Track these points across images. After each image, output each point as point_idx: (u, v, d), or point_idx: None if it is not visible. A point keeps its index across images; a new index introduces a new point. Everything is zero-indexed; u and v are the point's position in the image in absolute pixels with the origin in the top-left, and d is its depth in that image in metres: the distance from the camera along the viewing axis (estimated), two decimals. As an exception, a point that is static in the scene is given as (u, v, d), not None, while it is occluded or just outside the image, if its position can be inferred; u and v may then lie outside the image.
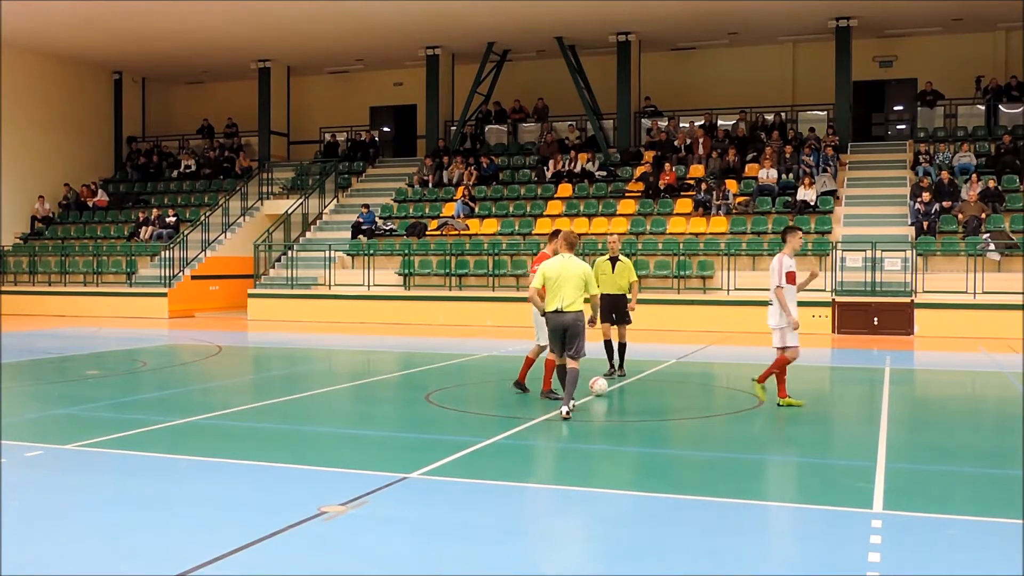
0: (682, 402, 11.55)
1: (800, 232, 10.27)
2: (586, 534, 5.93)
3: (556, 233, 10.68)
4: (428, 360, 15.15)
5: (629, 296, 12.38)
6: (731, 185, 23.82)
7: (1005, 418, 10.19)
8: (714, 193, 23.28)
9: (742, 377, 13.71)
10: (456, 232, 24.36)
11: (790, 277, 9.87)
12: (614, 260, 12.41)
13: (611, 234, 14.99)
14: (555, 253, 10.56)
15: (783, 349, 10.01)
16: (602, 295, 11.85)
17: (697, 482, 7.08)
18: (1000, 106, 25.59)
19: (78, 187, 30.73)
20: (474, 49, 28.46)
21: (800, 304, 19.46)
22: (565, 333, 9.38)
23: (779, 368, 10.09)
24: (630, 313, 12.48)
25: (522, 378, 11.07)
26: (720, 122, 27.48)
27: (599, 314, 11.27)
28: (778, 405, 10.14)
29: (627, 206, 24.15)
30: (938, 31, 26.68)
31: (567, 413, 9.16)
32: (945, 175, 22.09)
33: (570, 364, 9.42)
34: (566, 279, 9.33)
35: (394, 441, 8.78)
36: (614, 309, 12.30)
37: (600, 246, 20.70)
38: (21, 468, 7.23)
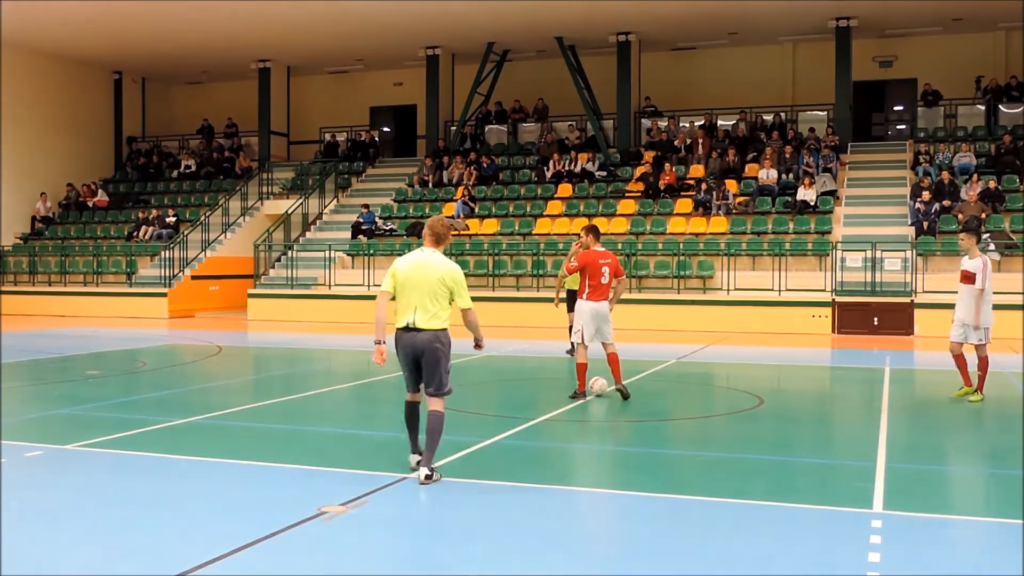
0: (682, 402, 11.55)
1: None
2: (586, 534, 5.93)
3: (592, 228, 10.64)
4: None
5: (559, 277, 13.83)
6: (731, 185, 23.82)
7: (1005, 418, 10.19)
8: (714, 193, 23.28)
9: (742, 377, 13.72)
10: (456, 232, 24.15)
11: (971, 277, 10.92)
12: None
13: (575, 241, 15.08)
14: (584, 248, 10.55)
15: (980, 347, 11.11)
16: (568, 289, 14.66)
17: (697, 482, 7.07)
18: (1000, 106, 25.60)
19: (78, 187, 30.74)
20: (474, 49, 28.46)
21: (800, 304, 19.75)
22: (418, 361, 6.82)
23: (986, 369, 11.12)
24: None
25: (581, 387, 10.58)
26: (720, 122, 27.48)
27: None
28: (966, 400, 10.87)
29: (627, 206, 24.15)
30: (938, 31, 26.68)
31: (426, 478, 6.62)
32: (945, 175, 22.10)
33: (430, 405, 6.80)
34: (418, 283, 6.75)
35: (394, 441, 8.76)
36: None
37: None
38: (21, 468, 7.23)
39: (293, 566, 5.03)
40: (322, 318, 22.84)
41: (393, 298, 6.89)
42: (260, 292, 24.42)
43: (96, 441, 8.16)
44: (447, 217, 24.71)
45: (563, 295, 15.41)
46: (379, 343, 6.78)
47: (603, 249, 10.58)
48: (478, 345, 7.23)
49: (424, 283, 6.74)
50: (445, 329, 6.82)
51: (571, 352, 14.56)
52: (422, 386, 6.92)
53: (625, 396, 10.43)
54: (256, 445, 8.41)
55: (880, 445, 8.16)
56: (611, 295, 10.68)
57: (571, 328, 14.07)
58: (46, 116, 30.23)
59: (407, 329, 6.77)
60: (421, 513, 6.06)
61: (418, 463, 6.85)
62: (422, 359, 6.77)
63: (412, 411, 7.08)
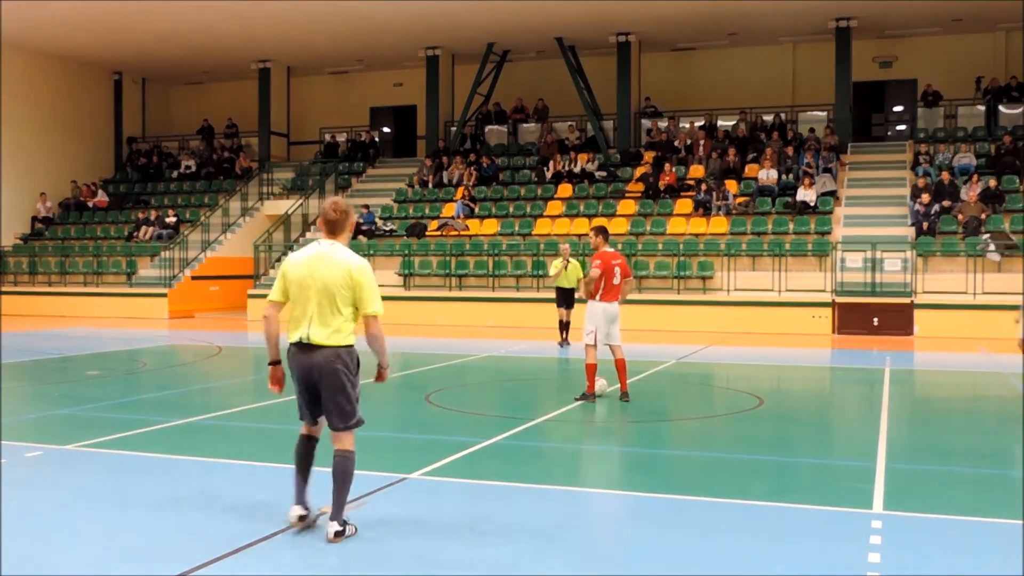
0: (682, 403, 11.55)
1: None
2: (586, 535, 5.93)
3: (602, 230, 10.63)
4: (428, 361, 15.15)
5: (577, 288, 14.59)
6: (731, 186, 23.82)
7: (1005, 419, 10.18)
8: (714, 194, 23.28)
9: (742, 378, 13.72)
10: (456, 232, 24.36)
11: None
12: (567, 263, 16.49)
13: (563, 243, 17.97)
14: (596, 249, 10.50)
15: None
16: (558, 287, 16.67)
17: (697, 483, 7.07)
18: (1000, 106, 25.58)
19: (79, 187, 30.73)
20: (474, 49, 28.47)
21: (800, 305, 19.75)
22: (316, 386, 5.43)
23: None
24: (576, 294, 16.23)
25: (590, 388, 10.53)
26: (720, 122, 27.48)
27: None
28: None
29: (627, 206, 24.15)
30: (938, 32, 26.68)
31: (336, 535, 5.30)
32: (945, 175, 22.09)
33: (335, 442, 5.43)
34: (313, 287, 5.45)
35: (394, 442, 8.77)
36: (567, 298, 16.73)
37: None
38: (21, 468, 7.23)
39: (293, 567, 5.03)
40: (322, 318, 22.78)
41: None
42: (260, 292, 24.36)
43: (96, 441, 8.16)
44: (447, 218, 24.80)
45: (573, 288, 16.68)
46: (274, 364, 5.64)
47: (613, 250, 10.60)
48: (380, 375, 5.62)
49: (319, 285, 5.40)
50: (350, 346, 5.44)
51: (562, 345, 16.80)
52: (322, 418, 5.55)
53: (627, 399, 10.42)
54: (256, 445, 8.41)
55: (880, 446, 8.16)
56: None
57: (561, 323, 17.02)
58: (46, 116, 30.23)
59: (301, 346, 5.44)
60: (421, 514, 6.06)
61: (302, 517, 5.51)
62: (320, 384, 5.38)
63: (305, 448, 5.58)
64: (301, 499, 5.53)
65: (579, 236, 22.08)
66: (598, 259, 10.34)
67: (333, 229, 5.54)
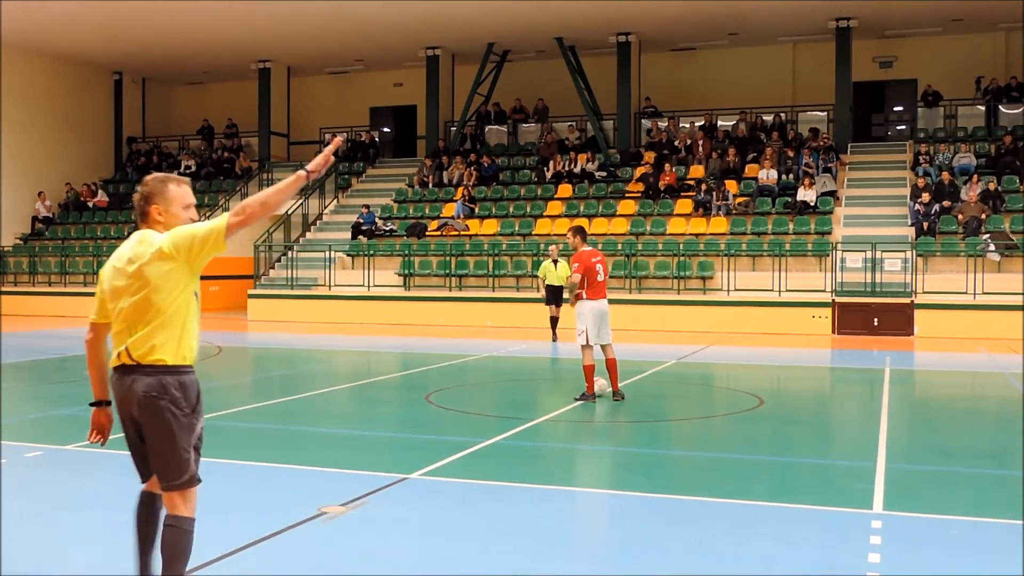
0: (682, 403, 11.55)
1: None
2: (586, 534, 5.93)
3: (580, 230, 10.63)
4: (428, 361, 15.15)
5: (566, 286, 14.64)
6: (731, 186, 23.82)
7: (1005, 419, 10.18)
8: (714, 194, 23.28)
9: (742, 378, 13.72)
10: (456, 233, 24.36)
11: None
12: (555, 262, 17.62)
13: (552, 244, 19.28)
14: (575, 250, 10.49)
15: None
16: (548, 285, 17.67)
17: (697, 482, 7.07)
18: (1000, 107, 25.59)
19: (79, 187, 30.74)
20: (474, 49, 28.47)
21: (800, 305, 19.75)
22: (139, 430, 4.07)
23: None
24: (564, 294, 16.82)
25: (590, 389, 10.50)
26: (720, 123, 27.48)
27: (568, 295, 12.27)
28: None
29: (627, 207, 24.15)
30: (938, 31, 26.68)
31: None
32: (945, 176, 22.10)
33: (168, 506, 4.08)
34: (119, 288, 3.99)
35: (394, 442, 8.77)
36: (557, 295, 17.56)
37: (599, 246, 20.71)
38: (21, 468, 7.23)
39: (293, 566, 5.02)
40: (322, 319, 22.83)
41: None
42: (260, 293, 24.43)
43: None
44: (447, 218, 24.79)
45: (555, 290, 17.48)
46: (99, 405, 4.24)
47: (591, 248, 10.62)
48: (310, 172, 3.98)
49: (124, 283, 3.96)
50: (179, 367, 3.96)
51: (555, 341, 17.78)
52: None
53: (621, 399, 10.42)
54: (256, 445, 8.41)
55: (880, 446, 8.16)
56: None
57: (553, 320, 18.02)
58: (46, 116, 30.24)
59: (121, 370, 4.00)
60: (421, 513, 6.06)
61: None
62: (143, 422, 4.00)
63: (146, 510, 4.30)
64: (145, 572, 4.27)
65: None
66: (576, 260, 10.34)
67: (142, 214, 4.08)
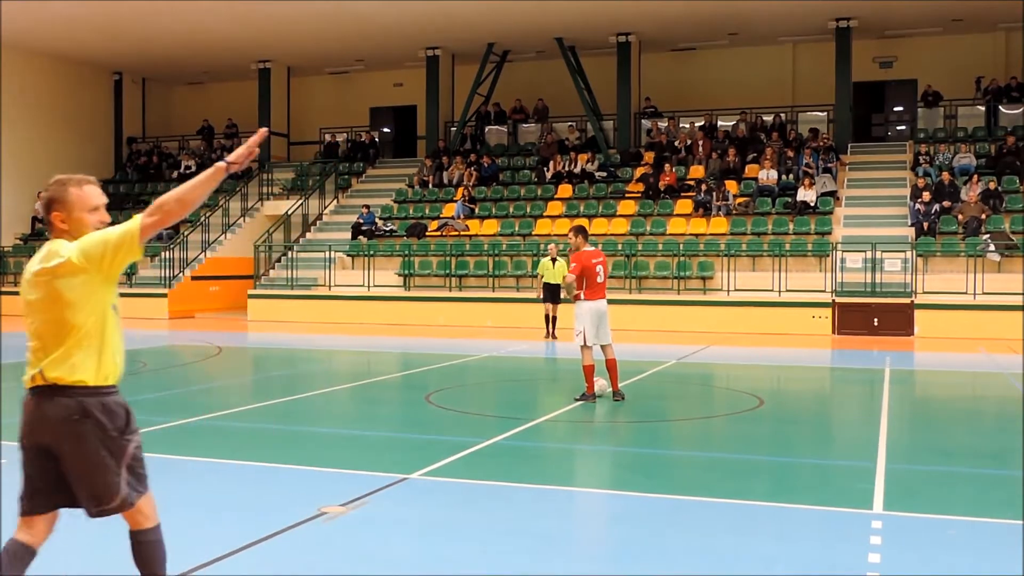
0: (682, 403, 11.55)
1: None
2: (586, 535, 5.94)
3: (581, 229, 10.59)
4: (428, 361, 15.15)
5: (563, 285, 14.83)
6: (731, 186, 23.83)
7: (1005, 419, 10.18)
8: (714, 194, 23.28)
9: (742, 378, 13.72)
10: (456, 233, 24.36)
11: None
12: (554, 260, 18.13)
13: (550, 242, 19.84)
14: (577, 249, 10.45)
15: None
16: (545, 283, 18.15)
17: (697, 483, 7.07)
18: (1000, 107, 25.60)
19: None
20: (474, 50, 28.47)
21: (800, 305, 19.76)
22: (50, 458, 3.66)
23: None
24: (560, 293, 17.38)
25: (590, 389, 10.47)
26: (720, 123, 27.48)
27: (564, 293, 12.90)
28: None
29: (627, 207, 24.15)
30: (938, 32, 26.69)
31: None
32: (945, 176, 22.10)
33: (130, 524, 3.88)
34: (30, 303, 3.78)
35: (394, 442, 8.77)
36: (555, 293, 17.92)
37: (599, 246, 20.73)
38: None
39: (293, 567, 5.02)
40: (322, 319, 22.84)
41: None
42: (260, 293, 24.43)
43: (96, 441, 8.15)
44: (447, 218, 24.79)
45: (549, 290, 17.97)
46: None
47: (593, 248, 10.60)
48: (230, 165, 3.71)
49: (35, 298, 3.70)
50: (101, 388, 3.70)
51: (547, 337, 18.26)
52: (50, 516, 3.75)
53: (621, 399, 10.42)
54: (256, 446, 8.41)
55: (880, 446, 8.16)
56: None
57: (547, 317, 18.45)
58: (46, 116, 30.24)
59: (36, 393, 3.69)
60: (421, 514, 6.06)
61: None
62: (52, 448, 3.62)
63: (10, 560, 3.64)
64: None
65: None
66: (575, 260, 10.32)
67: (46, 224, 3.80)
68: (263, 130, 3.84)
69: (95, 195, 3.77)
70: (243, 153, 3.70)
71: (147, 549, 3.85)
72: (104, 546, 5.24)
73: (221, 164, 3.65)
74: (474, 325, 21.46)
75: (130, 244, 3.56)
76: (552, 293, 18.15)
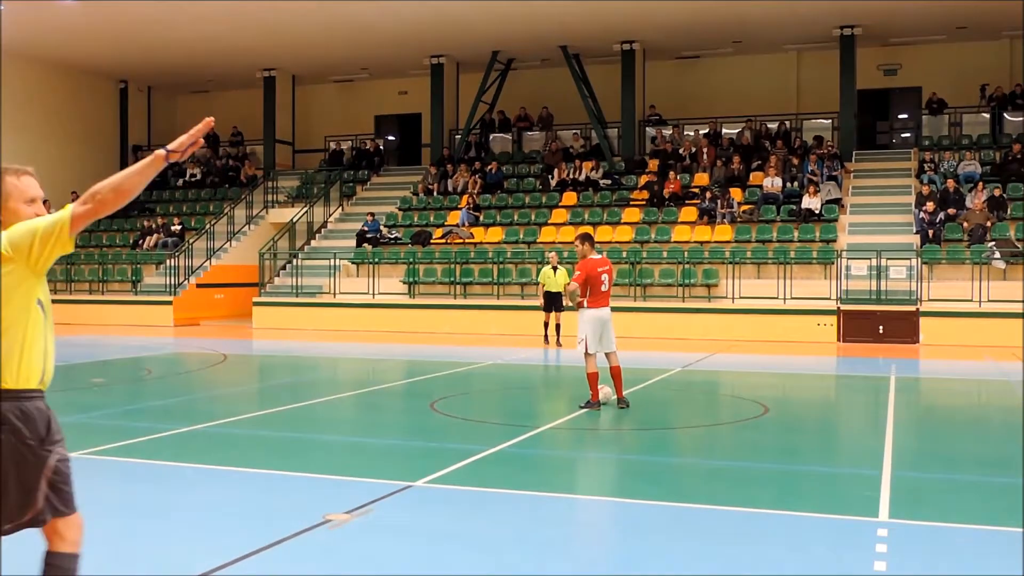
0: (687, 411, 11.53)
1: None
2: (590, 542, 5.92)
3: (588, 237, 10.58)
4: (433, 368, 15.15)
5: (564, 293, 15.08)
6: (736, 193, 23.82)
7: (1011, 427, 10.15)
8: (719, 201, 23.28)
9: (747, 385, 13.70)
10: (461, 240, 24.38)
11: None
12: (555, 268, 18.19)
13: (551, 251, 19.95)
14: (583, 257, 10.43)
15: None
16: (547, 292, 18.16)
17: (702, 490, 7.06)
18: (1005, 114, 25.58)
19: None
20: (479, 58, 28.52)
21: (805, 312, 19.73)
22: None
23: None
24: (562, 301, 17.64)
25: (594, 396, 10.42)
26: (725, 130, 27.48)
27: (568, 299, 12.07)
28: None
29: (632, 214, 24.16)
30: (943, 39, 26.68)
31: None
32: (950, 183, 22.08)
33: (48, 544, 3.75)
34: None
35: (399, 449, 8.77)
36: (556, 301, 18.07)
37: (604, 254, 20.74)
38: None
39: (298, 574, 5.02)
40: (327, 326, 22.85)
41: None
42: (265, 300, 24.45)
43: (101, 449, 8.16)
44: (452, 225, 24.79)
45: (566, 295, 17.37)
46: None
47: (599, 256, 10.59)
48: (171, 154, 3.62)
49: None
50: (21, 392, 3.42)
51: (546, 342, 18.53)
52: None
53: (625, 406, 10.40)
54: (261, 453, 8.41)
55: (886, 454, 8.14)
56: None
57: (546, 325, 18.56)
58: (52, 124, 30.35)
59: None
60: (426, 521, 6.05)
61: None
62: None
63: None
64: None
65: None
66: (580, 268, 10.31)
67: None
68: (209, 119, 3.70)
69: (32, 187, 3.57)
70: (185, 142, 3.55)
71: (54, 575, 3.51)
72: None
73: (160, 152, 3.49)
74: (479, 333, 21.45)
75: (59, 234, 3.29)
76: (553, 301, 18.22)
